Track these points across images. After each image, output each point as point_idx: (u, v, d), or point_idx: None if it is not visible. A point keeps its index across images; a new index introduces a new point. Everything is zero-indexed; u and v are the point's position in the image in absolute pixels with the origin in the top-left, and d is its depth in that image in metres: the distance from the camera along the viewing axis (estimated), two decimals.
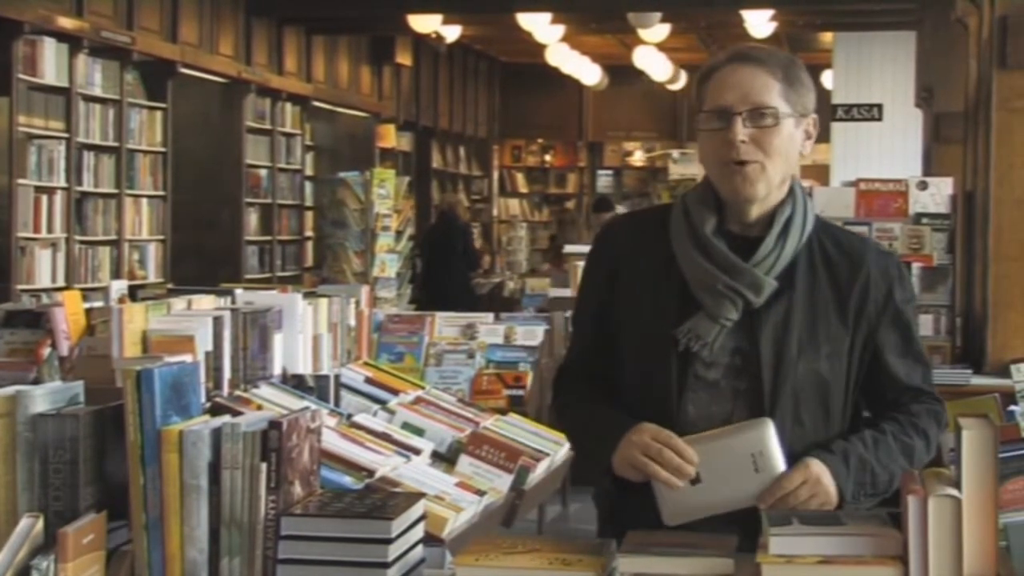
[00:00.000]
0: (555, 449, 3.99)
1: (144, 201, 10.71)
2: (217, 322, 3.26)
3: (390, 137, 15.89)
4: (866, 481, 2.38)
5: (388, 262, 11.99)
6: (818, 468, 2.33)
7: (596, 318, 2.59)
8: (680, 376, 2.45)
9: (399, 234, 12.43)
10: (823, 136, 15.58)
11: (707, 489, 2.30)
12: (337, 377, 3.85)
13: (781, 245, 2.46)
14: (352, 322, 4.24)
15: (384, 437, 3.56)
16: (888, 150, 13.79)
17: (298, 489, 2.21)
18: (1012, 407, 4.69)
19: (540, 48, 15.57)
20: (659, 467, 2.33)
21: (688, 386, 2.45)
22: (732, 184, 2.43)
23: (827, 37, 15.29)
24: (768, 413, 2.39)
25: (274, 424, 2.15)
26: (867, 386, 2.52)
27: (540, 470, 3.89)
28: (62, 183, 9.47)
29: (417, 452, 3.57)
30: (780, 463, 2.31)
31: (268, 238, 13.01)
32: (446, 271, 12.84)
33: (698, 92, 2.50)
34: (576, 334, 2.71)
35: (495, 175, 20.49)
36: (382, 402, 3.99)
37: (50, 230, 9.39)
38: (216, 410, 2.56)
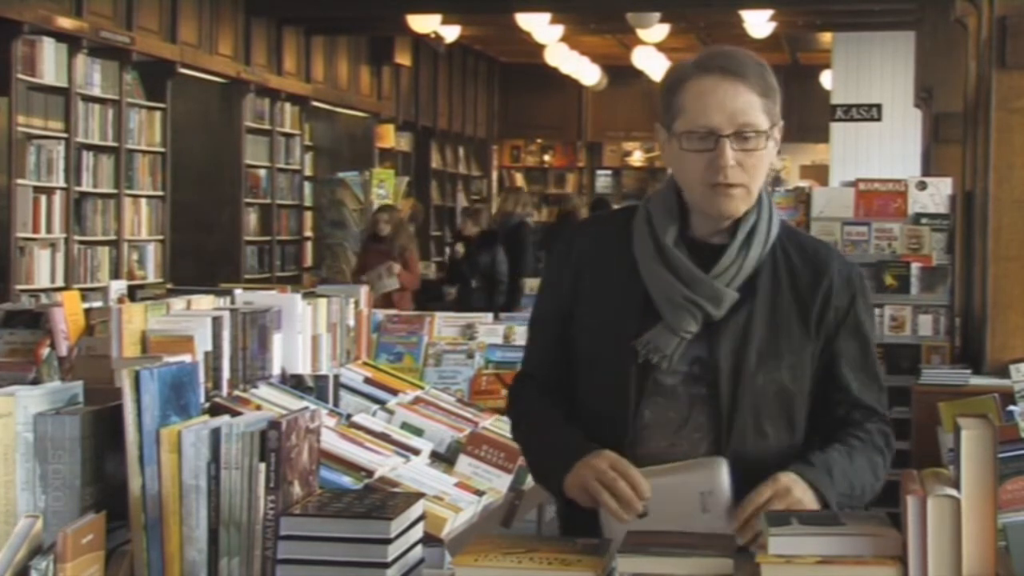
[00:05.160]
0: None
1: (143, 201, 10.71)
2: (216, 322, 3.26)
3: (389, 137, 15.89)
4: (845, 493, 2.34)
5: None
6: (787, 480, 2.28)
7: (557, 325, 2.55)
8: (639, 383, 2.43)
9: None
10: (823, 136, 15.61)
11: (652, 523, 2.26)
12: (336, 377, 3.85)
13: (744, 255, 2.42)
14: (351, 322, 4.24)
15: (383, 437, 3.56)
16: (887, 150, 13.80)
17: (297, 489, 2.21)
18: (1011, 407, 4.70)
19: (539, 48, 15.57)
20: (609, 497, 2.31)
21: (646, 391, 2.44)
22: (717, 205, 2.40)
23: (827, 37, 15.30)
24: (727, 424, 2.38)
25: (273, 424, 2.15)
26: (819, 398, 2.47)
27: None
28: (61, 183, 9.47)
29: (416, 452, 3.57)
30: (728, 505, 2.28)
31: (267, 238, 13.01)
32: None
33: (666, 101, 2.43)
34: (535, 341, 2.64)
35: (494, 175, 20.49)
36: (381, 402, 3.99)
37: (49, 230, 9.39)
38: (215, 410, 2.57)
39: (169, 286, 8.39)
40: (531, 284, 11.12)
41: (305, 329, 3.81)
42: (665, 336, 2.41)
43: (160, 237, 10.90)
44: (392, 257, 10.53)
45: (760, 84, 2.40)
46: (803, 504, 2.27)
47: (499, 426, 4.07)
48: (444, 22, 13.74)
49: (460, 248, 11.80)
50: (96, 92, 9.95)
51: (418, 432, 3.78)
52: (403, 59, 15.62)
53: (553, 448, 2.48)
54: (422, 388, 4.32)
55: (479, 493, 3.47)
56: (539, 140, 20.82)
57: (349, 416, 3.66)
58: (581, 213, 13.12)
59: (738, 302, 2.42)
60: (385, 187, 12.68)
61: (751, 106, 2.38)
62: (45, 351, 3.32)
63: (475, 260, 11.49)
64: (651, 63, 16.32)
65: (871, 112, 14.18)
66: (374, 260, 10.59)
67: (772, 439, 2.41)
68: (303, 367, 3.76)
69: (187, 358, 2.91)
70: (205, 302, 3.46)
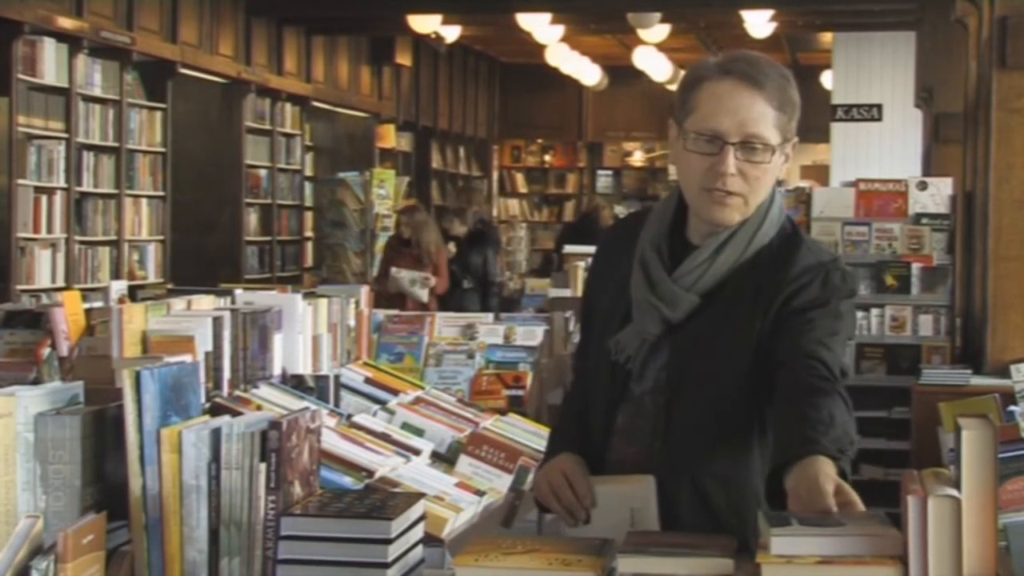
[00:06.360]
0: None
1: (144, 201, 10.71)
2: (217, 322, 3.25)
3: (390, 137, 15.89)
4: (841, 438, 2.19)
5: None
6: (819, 466, 2.12)
7: (587, 322, 2.62)
8: (614, 388, 2.46)
9: None
10: (823, 136, 15.62)
11: (594, 531, 2.32)
12: (337, 377, 3.84)
13: (711, 261, 2.39)
14: (352, 322, 4.24)
15: (384, 437, 3.56)
16: (888, 150, 13.81)
17: (298, 489, 2.21)
18: (1012, 407, 4.70)
19: (540, 48, 15.57)
20: (555, 502, 2.41)
21: (621, 397, 2.46)
22: (710, 211, 2.39)
23: (827, 37, 15.29)
24: (664, 427, 2.41)
25: (274, 424, 2.15)
26: (780, 363, 2.32)
27: None
28: (62, 183, 9.48)
29: (417, 452, 3.57)
30: (654, 524, 2.34)
31: (268, 238, 13.01)
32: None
33: (682, 97, 2.40)
34: (581, 337, 2.74)
35: (495, 175, 20.48)
36: (382, 402, 3.98)
37: (50, 230, 9.39)
38: (216, 410, 2.57)
39: (169, 286, 8.39)
40: (532, 284, 11.10)
41: (306, 329, 3.80)
42: (632, 337, 2.43)
43: (160, 237, 10.90)
44: (422, 261, 10.16)
45: (778, 97, 2.36)
46: (831, 475, 2.13)
47: (499, 426, 4.07)
48: (444, 22, 13.74)
49: (452, 248, 11.22)
50: (96, 92, 9.95)
51: (418, 432, 3.77)
52: (403, 59, 15.62)
53: (547, 449, 2.59)
54: (422, 388, 4.31)
55: (479, 493, 3.47)
56: (539, 140, 20.82)
57: (350, 416, 3.66)
58: (604, 214, 13.04)
59: (700, 307, 2.40)
60: (386, 187, 12.68)
61: (764, 117, 2.34)
62: (45, 351, 3.31)
63: (466, 261, 11.10)
64: (651, 63, 16.32)
65: (871, 112, 14.18)
66: (406, 264, 10.22)
67: (717, 446, 2.40)
68: (304, 367, 3.76)
69: (187, 358, 2.91)
70: (205, 302, 3.46)
